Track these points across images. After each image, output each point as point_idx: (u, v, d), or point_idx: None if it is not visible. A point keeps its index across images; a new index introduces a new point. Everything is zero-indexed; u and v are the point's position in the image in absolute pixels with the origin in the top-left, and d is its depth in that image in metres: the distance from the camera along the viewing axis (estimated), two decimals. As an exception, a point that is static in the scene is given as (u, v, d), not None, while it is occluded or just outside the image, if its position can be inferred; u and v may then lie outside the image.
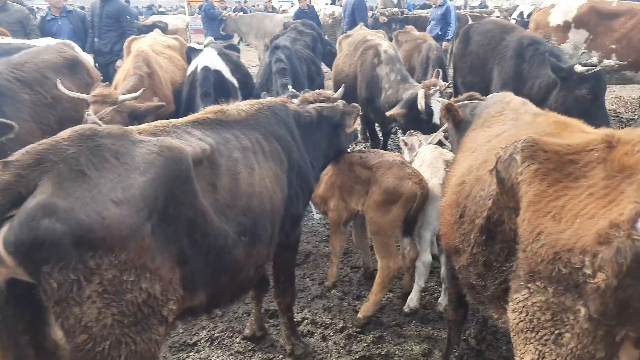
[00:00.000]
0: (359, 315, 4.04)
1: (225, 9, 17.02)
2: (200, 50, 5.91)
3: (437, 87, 5.41)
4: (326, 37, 12.88)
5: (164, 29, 16.24)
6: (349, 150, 4.48)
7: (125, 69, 5.41)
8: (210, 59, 5.60)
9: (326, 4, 25.30)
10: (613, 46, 7.03)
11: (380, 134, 7.68)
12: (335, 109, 3.90)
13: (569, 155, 1.83)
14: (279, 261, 3.44)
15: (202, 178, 2.39)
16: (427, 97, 5.35)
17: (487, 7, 21.61)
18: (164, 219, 2.04)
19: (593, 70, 5.08)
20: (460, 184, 2.60)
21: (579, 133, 2.14)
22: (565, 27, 7.36)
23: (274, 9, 22.10)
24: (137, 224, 1.84)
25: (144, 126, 2.34)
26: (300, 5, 12.98)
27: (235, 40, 18.12)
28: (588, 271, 1.52)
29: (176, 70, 6.25)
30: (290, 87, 5.53)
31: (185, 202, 2.12)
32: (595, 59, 5.38)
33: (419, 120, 5.46)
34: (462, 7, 23.27)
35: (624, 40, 6.97)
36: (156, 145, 2.03)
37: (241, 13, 17.87)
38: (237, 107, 3.05)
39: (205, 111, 2.87)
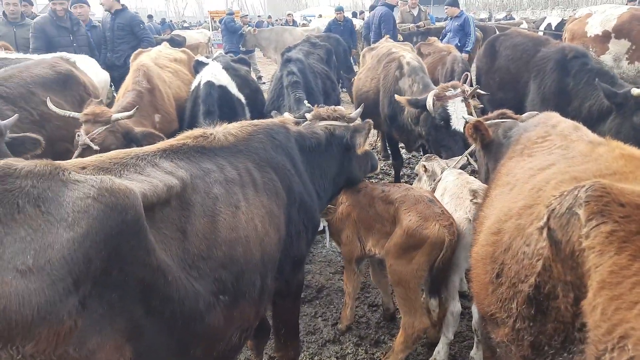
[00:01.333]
0: (377, 371, 3.45)
1: (246, 24, 16.82)
2: (206, 64, 5.48)
3: (458, 90, 4.78)
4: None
5: (182, 43, 16.19)
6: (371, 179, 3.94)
7: (125, 84, 5.02)
8: (214, 73, 5.15)
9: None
10: None
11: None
12: (347, 128, 3.37)
13: None
14: (279, 312, 2.90)
15: (168, 223, 1.88)
16: (442, 98, 4.74)
17: (514, 19, 20.91)
18: (104, 285, 1.53)
19: None
20: (496, 232, 2.01)
21: None
22: (604, 38, 6.85)
23: (294, 23, 21.86)
24: (52, 301, 1.33)
25: (91, 159, 1.85)
26: (336, 17, 12.54)
27: (257, 54, 17.92)
28: None
29: (182, 85, 5.84)
30: (306, 102, 5.04)
31: (136, 260, 1.61)
32: None
33: (437, 128, 4.91)
34: (487, 20, 22.63)
35: None
36: (94, 187, 1.53)
37: (260, 28, 17.65)
38: (225, 130, 2.55)
39: (183, 136, 2.38)
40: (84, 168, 1.73)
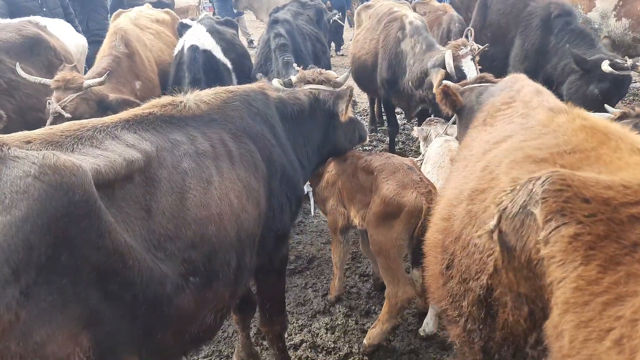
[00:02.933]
0: (365, 342, 3.39)
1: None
2: (190, 27, 5.19)
3: (469, 48, 4.55)
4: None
5: (170, 5, 15.56)
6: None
7: (102, 49, 4.74)
8: (198, 36, 4.86)
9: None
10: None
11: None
12: (332, 94, 3.17)
13: (630, 208, 1.05)
14: (262, 287, 2.79)
15: (131, 201, 1.73)
16: (457, 58, 4.50)
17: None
18: (52, 271, 1.39)
19: (621, 74, 4.47)
20: (446, 217, 1.82)
21: (632, 154, 1.32)
22: None
23: (288, -16, 21.07)
24: (-16, 294, 1.19)
25: (40, 131, 1.67)
26: None
27: (248, 17, 17.28)
28: None
29: (165, 47, 5.54)
30: (295, 65, 4.78)
31: (88, 244, 1.47)
32: (630, 61, 4.68)
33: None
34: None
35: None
36: (35, 164, 1.36)
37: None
38: (197, 97, 2.36)
39: (149, 104, 2.19)
40: (28, 142, 1.55)
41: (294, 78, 3.32)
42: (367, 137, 3.73)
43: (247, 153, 2.38)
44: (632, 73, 4.72)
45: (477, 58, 4.64)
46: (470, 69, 4.44)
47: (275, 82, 3.41)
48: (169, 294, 1.77)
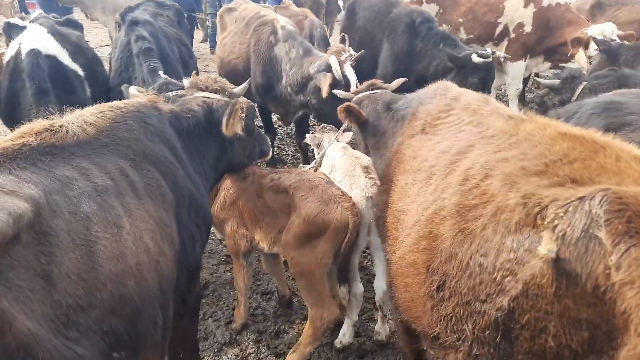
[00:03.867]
0: (283, 367, 3.17)
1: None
2: (24, 28, 4.28)
3: (348, 54, 4.61)
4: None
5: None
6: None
7: None
8: (38, 39, 4.03)
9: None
10: (460, 20, 7.24)
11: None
12: (227, 105, 2.85)
13: None
14: (176, 335, 2.38)
15: (21, 270, 1.26)
16: (340, 63, 4.48)
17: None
18: None
19: (486, 61, 5.26)
20: (428, 236, 1.75)
21: (638, 163, 1.35)
22: (418, 2, 7.40)
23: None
24: None
25: None
26: None
27: (77, 15, 15.34)
28: None
29: None
30: (161, 72, 4.26)
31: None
32: (488, 50, 5.54)
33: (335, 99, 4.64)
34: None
35: (469, 14, 7.24)
36: None
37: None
38: (79, 118, 1.88)
39: (19, 133, 1.66)
40: None
41: (186, 83, 2.93)
42: (270, 152, 3.46)
43: (152, 182, 1.98)
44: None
45: (354, 63, 4.72)
46: (351, 74, 4.49)
47: (133, 89, 2.96)
48: (91, 383, 1.34)
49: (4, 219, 1.21)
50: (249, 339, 3.60)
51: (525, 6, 6.77)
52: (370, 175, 3.25)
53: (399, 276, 1.98)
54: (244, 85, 3.12)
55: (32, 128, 1.69)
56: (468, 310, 1.48)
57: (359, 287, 3.25)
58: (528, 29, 6.80)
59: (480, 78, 5.31)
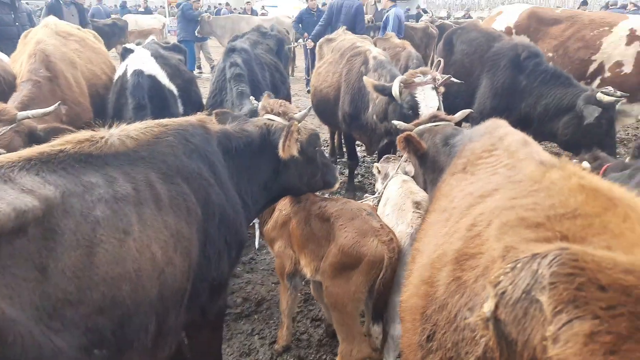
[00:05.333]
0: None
1: (197, 9, 16.00)
2: (133, 51, 4.90)
3: (428, 77, 4.42)
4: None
5: (123, 27, 15.20)
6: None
7: (19, 71, 4.31)
8: (142, 60, 4.58)
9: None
10: (550, 54, 6.70)
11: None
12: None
13: None
14: (196, 345, 2.48)
15: (20, 259, 1.43)
16: (411, 85, 4.38)
17: (472, 18, 21.17)
18: None
19: (616, 100, 4.71)
20: (428, 281, 1.62)
21: None
22: (507, 34, 7.01)
23: (253, 12, 21.14)
24: None
25: None
26: (309, 5, 11.93)
27: (212, 43, 17.13)
28: None
29: (95, 57, 5.17)
30: (250, 96, 4.57)
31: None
32: (610, 88, 4.89)
33: (406, 119, 4.50)
34: (446, 18, 22.88)
35: (560, 49, 6.69)
36: None
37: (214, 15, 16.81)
38: (122, 132, 2.09)
39: (62, 140, 1.90)
40: None
41: (259, 105, 3.11)
42: (337, 183, 3.45)
43: (179, 196, 2.11)
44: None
45: (442, 89, 4.53)
46: (429, 98, 4.32)
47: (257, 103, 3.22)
48: (62, 373, 1.46)
49: (7, 212, 1.39)
50: (287, 363, 3.60)
51: (629, 44, 6.02)
52: (419, 211, 3.10)
53: (403, 320, 1.87)
54: (305, 112, 3.20)
55: (75, 137, 1.92)
56: None
57: (397, 329, 3.06)
58: (627, 69, 6.03)
59: (607, 119, 4.81)
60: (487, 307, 1.05)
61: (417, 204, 3.11)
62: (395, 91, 4.40)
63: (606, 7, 17.54)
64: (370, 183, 7.04)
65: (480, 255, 1.39)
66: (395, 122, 3.55)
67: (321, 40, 7.22)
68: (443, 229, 1.80)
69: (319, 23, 9.55)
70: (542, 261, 0.97)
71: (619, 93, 4.96)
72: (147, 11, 22.92)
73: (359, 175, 7.17)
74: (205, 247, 2.23)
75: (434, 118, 3.20)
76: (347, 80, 5.62)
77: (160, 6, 38.59)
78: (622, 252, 0.99)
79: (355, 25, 9.39)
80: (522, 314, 0.98)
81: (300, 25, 11.99)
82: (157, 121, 2.31)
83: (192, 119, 2.51)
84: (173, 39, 15.75)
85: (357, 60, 5.63)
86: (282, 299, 3.51)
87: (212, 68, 15.91)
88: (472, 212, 1.66)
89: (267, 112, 3.11)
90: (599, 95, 4.70)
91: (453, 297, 1.42)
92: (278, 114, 3.08)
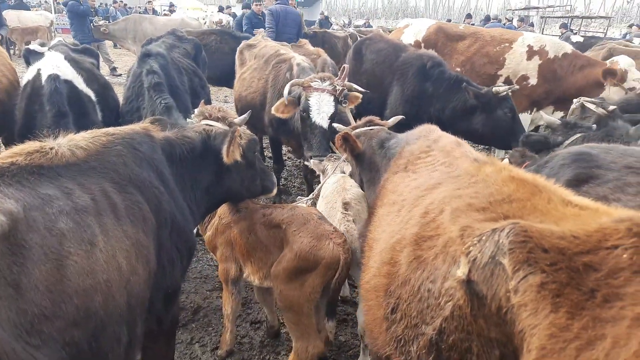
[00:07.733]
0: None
1: (94, 8, 14.91)
2: (42, 54, 4.56)
3: (327, 83, 4.60)
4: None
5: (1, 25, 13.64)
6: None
7: None
8: (56, 64, 4.28)
9: (212, 12, 23.99)
10: (458, 69, 7.18)
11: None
12: (226, 133, 2.98)
13: (582, 257, 1.15)
14: (152, 355, 2.45)
15: (-10, 277, 1.38)
16: (308, 89, 4.57)
17: (371, 26, 22.24)
18: None
19: (509, 90, 5.41)
20: (389, 262, 1.86)
21: (565, 205, 1.47)
22: (416, 47, 7.43)
23: (154, 12, 20.29)
24: None
25: None
26: (254, 9, 11.61)
27: (109, 43, 16.12)
28: None
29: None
30: (175, 110, 4.45)
31: None
32: (502, 85, 5.64)
33: (302, 120, 4.75)
34: (347, 25, 23.78)
35: (467, 64, 7.21)
36: None
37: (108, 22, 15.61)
38: (70, 142, 2.03)
39: (9, 152, 1.82)
40: None
41: (196, 111, 3.11)
42: (275, 189, 3.51)
43: (134, 205, 2.10)
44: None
45: (339, 94, 4.67)
46: (323, 103, 4.55)
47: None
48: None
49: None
50: (232, 367, 3.63)
51: (529, 59, 6.75)
52: (347, 213, 3.30)
53: (364, 299, 2.09)
54: (244, 116, 3.27)
55: (24, 149, 1.84)
56: (415, 332, 1.58)
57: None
58: (533, 81, 6.78)
59: (509, 108, 5.45)
60: (462, 272, 1.32)
61: (346, 205, 3.31)
62: (284, 91, 4.59)
63: (486, 20, 19.07)
64: (294, 185, 7.22)
65: (437, 237, 1.65)
66: (335, 124, 3.76)
67: (241, 45, 7.22)
68: (397, 218, 2.04)
69: (269, 29, 9.52)
70: (501, 233, 1.26)
71: (507, 87, 5.68)
72: (22, 5, 20.58)
73: (282, 179, 7.31)
74: (159, 255, 2.24)
75: (369, 122, 3.45)
76: (274, 86, 5.74)
77: (45, 1, 35.14)
78: (553, 225, 1.27)
79: (299, 32, 9.81)
80: (490, 274, 1.26)
81: (251, 26, 11.68)
82: (103, 130, 2.26)
83: (137, 127, 2.49)
84: (68, 39, 14.55)
85: (282, 67, 5.76)
86: (225, 304, 3.53)
87: (111, 70, 15.02)
88: (421, 202, 1.92)
89: (205, 118, 3.13)
90: (495, 89, 5.45)
91: (415, 273, 1.67)
92: (217, 119, 3.11)
